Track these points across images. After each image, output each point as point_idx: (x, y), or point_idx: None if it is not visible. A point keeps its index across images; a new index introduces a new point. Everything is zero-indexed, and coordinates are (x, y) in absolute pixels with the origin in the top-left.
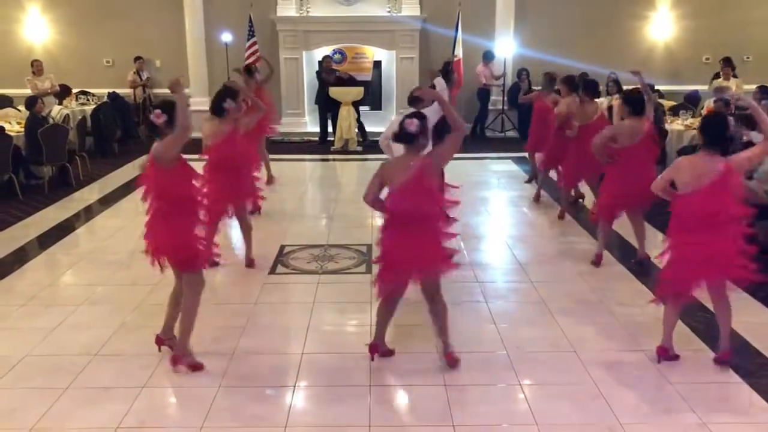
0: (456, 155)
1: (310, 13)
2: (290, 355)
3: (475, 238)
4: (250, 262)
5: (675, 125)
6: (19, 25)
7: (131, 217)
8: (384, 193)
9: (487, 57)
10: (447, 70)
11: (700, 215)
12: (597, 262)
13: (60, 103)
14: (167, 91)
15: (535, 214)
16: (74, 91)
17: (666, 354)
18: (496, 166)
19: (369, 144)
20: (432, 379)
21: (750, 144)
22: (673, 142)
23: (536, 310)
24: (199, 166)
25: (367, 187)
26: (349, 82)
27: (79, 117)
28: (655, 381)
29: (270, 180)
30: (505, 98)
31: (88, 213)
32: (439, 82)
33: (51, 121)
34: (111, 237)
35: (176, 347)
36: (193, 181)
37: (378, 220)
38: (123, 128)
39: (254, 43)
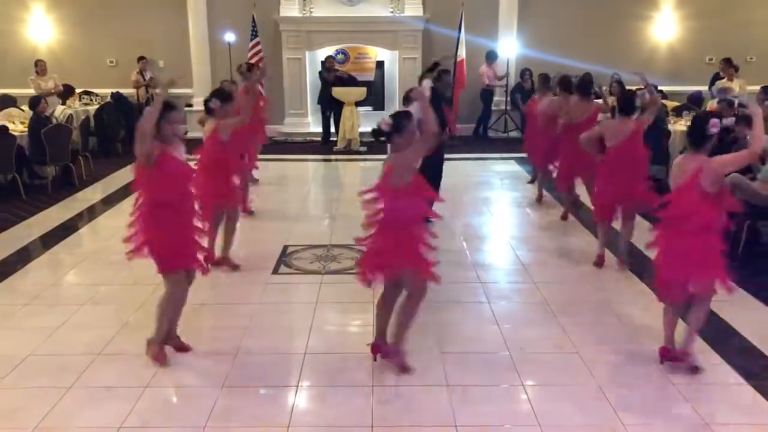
0: (458, 156)
1: (313, 13)
2: (293, 355)
3: (477, 238)
4: (220, 261)
5: (678, 126)
6: (23, 24)
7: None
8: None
9: (490, 57)
10: (440, 71)
11: (672, 213)
12: (599, 262)
13: (63, 103)
14: (171, 91)
15: (537, 215)
16: (77, 91)
17: (669, 355)
18: (498, 167)
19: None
20: (434, 379)
21: None
22: (676, 142)
23: (539, 310)
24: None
25: None
26: (349, 81)
27: (83, 117)
28: (658, 382)
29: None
30: (508, 98)
31: (91, 213)
32: (426, 82)
33: (54, 121)
34: (114, 237)
35: (151, 338)
36: (173, 180)
37: None
38: (126, 128)
39: (257, 43)
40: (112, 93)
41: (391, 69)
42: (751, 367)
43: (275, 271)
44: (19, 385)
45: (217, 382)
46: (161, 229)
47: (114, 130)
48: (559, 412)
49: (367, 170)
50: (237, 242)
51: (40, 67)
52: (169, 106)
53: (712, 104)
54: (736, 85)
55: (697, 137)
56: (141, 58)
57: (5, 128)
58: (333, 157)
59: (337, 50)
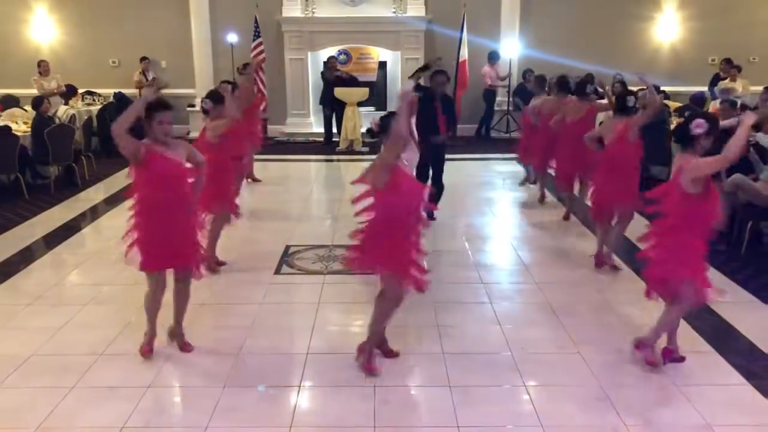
0: (460, 156)
1: (315, 13)
2: (295, 355)
3: (479, 238)
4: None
5: None
6: (26, 25)
7: None
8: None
9: (493, 58)
10: (435, 71)
11: (654, 210)
12: (597, 262)
13: (66, 103)
14: (172, 91)
15: (539, 215)
16: (80, 91)
17: (671, 355)
18: (501, 167)
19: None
20: (437, 379)
21: (757, 145)
22: None
23: (541, 311)
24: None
25: None
26: (350, 81)
27: (85, 117)
28: (660, 382)
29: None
30: (511, 99)
31: (94, 213)
32: (409, 82)
33: (57, 121)
34: (116, 237)
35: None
36: (161, 180)
37: None
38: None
39: (260, 44)
40: (114, 93)
41: (394, 69)
42: (752, 367)
43: (277, 271)
44: (21, 384)
45: (219, 381)
46: (145, 228)
47: None
48: (561, 412)
49: None
50: (238, 242)
51: (42, 68)
52: (161, 106)
53: (714, 105)
54: (739, 86)
55: (681, 137)
56: (143, 59)
57: (8, 128)
58: (335, 157)
59: (339, 51)
